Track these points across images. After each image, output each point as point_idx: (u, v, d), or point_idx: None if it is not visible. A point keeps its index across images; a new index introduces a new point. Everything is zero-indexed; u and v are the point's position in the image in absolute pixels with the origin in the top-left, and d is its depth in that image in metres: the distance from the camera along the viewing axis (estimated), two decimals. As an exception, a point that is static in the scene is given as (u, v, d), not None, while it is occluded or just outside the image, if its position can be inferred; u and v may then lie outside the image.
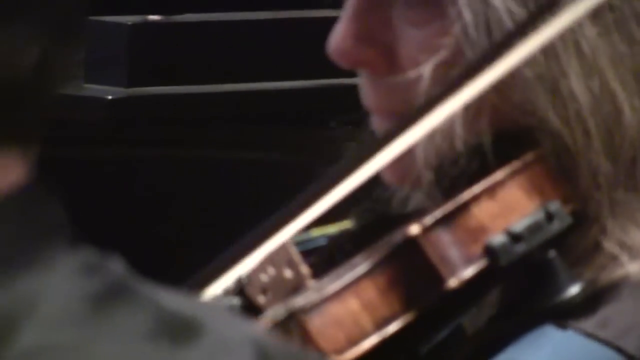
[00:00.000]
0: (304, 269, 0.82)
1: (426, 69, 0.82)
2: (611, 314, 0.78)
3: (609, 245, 0.78)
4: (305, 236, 0.88)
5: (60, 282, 0.41)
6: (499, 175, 0.78)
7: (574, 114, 0.79)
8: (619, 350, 0.76)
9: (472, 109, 0.79)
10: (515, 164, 0.78)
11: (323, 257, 0.86)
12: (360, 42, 0.84)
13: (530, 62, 0.78)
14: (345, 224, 0.90)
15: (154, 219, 2.23)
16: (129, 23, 2.24)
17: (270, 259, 0.80)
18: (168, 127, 2.23)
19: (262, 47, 2.28)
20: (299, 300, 0.78)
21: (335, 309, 0.77)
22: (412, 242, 0.76)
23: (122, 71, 2.23)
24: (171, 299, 0.46)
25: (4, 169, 0.43)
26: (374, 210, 0.88)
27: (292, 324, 0.76)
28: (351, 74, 0.91)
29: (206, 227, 2.13)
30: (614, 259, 0.78)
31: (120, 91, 2.22)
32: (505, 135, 0.80)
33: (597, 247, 0.79)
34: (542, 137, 0.79)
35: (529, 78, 0.79)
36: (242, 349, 0.43)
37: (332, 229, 0.90)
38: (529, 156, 0.79)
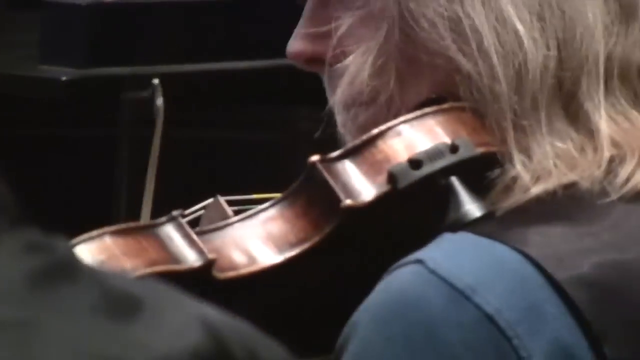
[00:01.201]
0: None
1: (358, 54, 0.87)
2: (514, 226, 0.83)
3: (513, 170, 0.82)
4: (245, 198, 0.95)
5: (3, 260, 0.41)
6: (409, 116, 0.83)
7: (477, 49, 0.83)
8: (519, 252, 0.81)
9: (376, 53, 0.85)
10: (429, 109, 0.84)
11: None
12: (310, 40, 0.91)
13: (431, 2, 0.84)
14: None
15: (105, 199, 2.24)
16: (84, 4, 2.24)
17: (207, 217, 0.88)
18: (123, 107, 2.24)
19: (218, 28, 2.30)
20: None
21: (236, 233, 0.83)
22: (313, 169, 0.81)
23: (78, 52, 2.24)
24: (116, 278, 0.46)
25: None
26: None
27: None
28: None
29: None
30: (518, 181, 0.82)
31: (75, 72, 2.22)
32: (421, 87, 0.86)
33: (502, 173, 0.83)
34: (455, 82, 0.84)
35: (431, 18, 0.84)
36: (189, 326, 0.42)
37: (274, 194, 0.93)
38: (444, 105, 0.84)
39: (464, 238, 0.82)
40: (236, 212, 0.90)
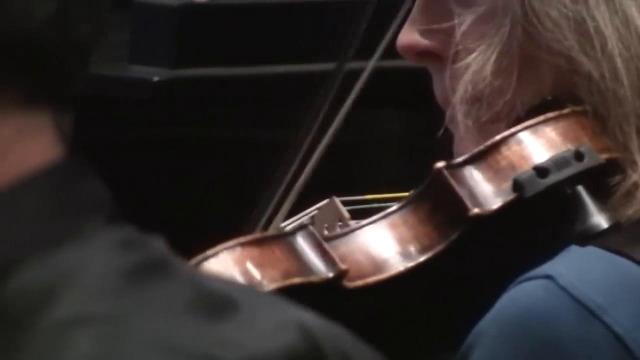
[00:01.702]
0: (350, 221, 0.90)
1: (480, 52, 0.86)
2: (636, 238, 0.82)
3: (635, 176, 0.84)
4: (359, 199, 0.97)
5: (99, 256, 0.42)
6: (531, 121, 0.83)
7: (601, 51, 0.82)
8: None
9: (499, 51, 0.84)
10: (551, 114, 0.83)
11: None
12: (422, 34, 0.90)
13: (556, 2, 0.83)
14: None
15: (196, 199, 2.25)
16: (175, 5, 2.25)
17: (321, 217, 0.90)
18: (214, 108, 2.24)
19: (307, 30, 2.29)
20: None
21: (361, 239, 0.84)
22: (438, 175, 0.82)
23: (168, 52, 2.25)
24: (212, 279, 0.46)
25: (35, 134, 0.43)
26: None
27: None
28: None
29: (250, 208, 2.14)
30: None
31: (166, 72, 2.23)
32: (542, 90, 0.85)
33: (623, 179, 0.83)
34: (575, 84, 0.83)
35: (555, 18, 0.82)
36: (283, 327, 0.42)
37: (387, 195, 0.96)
38: (565, 110, 0.83)
39: (592, 253, 0.81)
40: (351, 212, 0.91)
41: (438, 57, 0.90)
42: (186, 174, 2.30)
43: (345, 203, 0.96)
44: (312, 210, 0.95)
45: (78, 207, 0.43)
